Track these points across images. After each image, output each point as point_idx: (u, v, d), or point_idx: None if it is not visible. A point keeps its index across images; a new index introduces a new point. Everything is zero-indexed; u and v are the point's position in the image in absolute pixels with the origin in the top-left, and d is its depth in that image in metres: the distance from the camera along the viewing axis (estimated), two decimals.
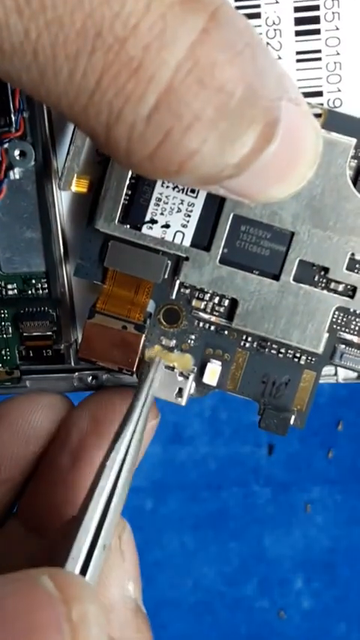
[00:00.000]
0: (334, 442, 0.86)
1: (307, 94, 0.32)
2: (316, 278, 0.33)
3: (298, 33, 0.31)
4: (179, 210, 0.32)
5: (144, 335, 0.34)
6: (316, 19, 0.31)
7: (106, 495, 0.28)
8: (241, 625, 0.85)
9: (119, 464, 0.29)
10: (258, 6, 0.31)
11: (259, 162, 0.25)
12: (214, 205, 0.32)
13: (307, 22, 0.31)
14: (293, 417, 0.34)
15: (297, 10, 0.31)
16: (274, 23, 0.31)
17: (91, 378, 0.36)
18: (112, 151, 0.24)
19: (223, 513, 0.85)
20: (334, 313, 0.33)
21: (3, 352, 0.36)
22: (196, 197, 0.32)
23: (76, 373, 0.36)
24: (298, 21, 0.31)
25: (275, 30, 0.31)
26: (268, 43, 0.31)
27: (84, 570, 0.26)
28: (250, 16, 0.31)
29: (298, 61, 0.32)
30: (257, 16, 0.31)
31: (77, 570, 0.26)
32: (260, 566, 0.86)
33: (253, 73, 0.24)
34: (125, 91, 0.23)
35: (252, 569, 0.86)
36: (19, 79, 0.23)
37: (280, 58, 0.31)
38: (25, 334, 0.36)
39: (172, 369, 0.34)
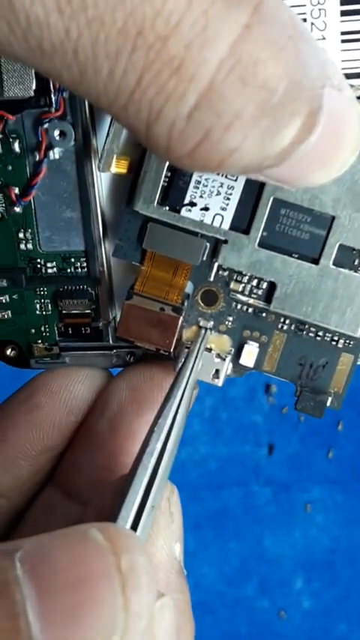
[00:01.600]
0: (334, 442, 0.86)
1: (351, 75, 0.31)
2: (356, 262, 0.33)
3: (343, 13, 0.30)
4: (218, 193, 0.32)
5: (181, 317, 0.34)
6: None
7: (155, 458, 0.28)
8: (241, 625, 0.86)
9: (167, 429, 0.29)
10: None
11: (301, 151, 0.24)
12: (254, 189, 0.32)
13: (352, 1, 0.30)
14: (330, 399, 0.34)
15: None
16: (318, 3, 0.30)
17: (128, 355, 0.36)
18: (152, 147, 0.24)
19: (223, 513, 0.86)
20: None
21: (42, 329, 0.36)
22: (235, 180, 0.32)
23: (114, 350, 0.36)
24: (344, 1, 0.30)
25: (320, 10, 0.30)
26: (312, 23, 0.30)
27: (134, 529, 0.26)
28: None
29: (343, 41, 0.31)
30: None
31: (128, 527, 0.26)
32: (260, 566, 0.87)
33: (295, 67, 0.23)
34: (166, 90, 0.22)
35: (252, 569, 0.87)
36: (59, 77, 0.23)
37: (324, 38, 0.31)
38: (64, 312, 0.36)
39: (210, 350, 0.34)
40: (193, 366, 0.32)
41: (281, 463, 0.86)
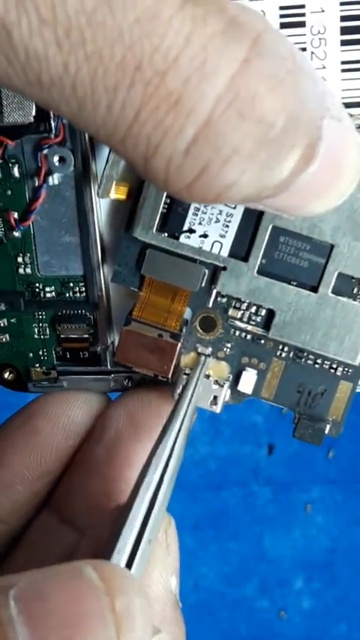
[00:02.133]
0: (334, 442, 0.85)
1: (351, 104, 0.31)
2: (355, 291, 0.33)
3: (343, 42, 0.30)
4: (217, 221, 0.32)
5: (180, 343, 0.34)
6: None
7: (152, 490, 0.28)
8: (241, 625, 0.85)
9: (165, 459, 0.29)
10: (303, 15, 0.30)
11: (300, 182, 0.24)
12: (253, 216, 0.32)
13: (353, 31, 0.30)
14: (328, 427, 0.34)
15: (343, 19, 0.30)
16: (319, 32, 0.30)
17: (126, 379, 0.36)
18: (150, 180, 0.24)
19: (223, 513, 0.86)
20: None
21: (40, 353, 0.36)
22: (234, 208, 0.32)
23: (112, 375, 0.36)
24: (344, 30, 0.30)
25: (320, 39, 0.30)
26: (312, 52, 0.30)
27: (129, 564, 0.26)
28: (295, 25, 0.30)
29: (343, 70, 0.31)
30: (302, 24, 0.30)
31: (123, 564, 0.26)
32: (260, 566, 0.86)
33: (294, 101, 0.23)
34: (164, 125, 0.22)
35: (252, 569, 0.86)
36: (57, 109, 0.23)
37: (324, 67, 0.31)
38: (62, 336, 0.36)
39: (208, 376, 0.34)
40: (192, 394, 0.32)
41: (281, 463, 0.86)
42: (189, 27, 0.22)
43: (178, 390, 0.34)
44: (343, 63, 0.31)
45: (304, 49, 0.30)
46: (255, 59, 0.22)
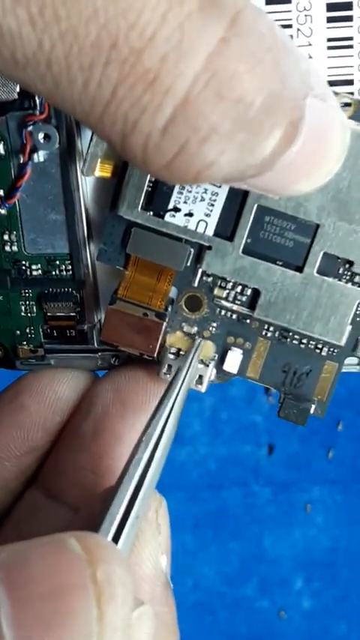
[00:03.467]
0: (334, 442, 0.85)
1: (337, 83, 0.31)
2: (341, 271, 0.32)
3: (329, 19, 0.30)
4: (202, 199, 0.32)
5: (165, 322, 0.33)
6: (348, 6, 0.30)
7: (142, 468, 0.28)
8: (241, 625, 0.86)
9: (156, 439, 0.29)
10: None
11: (282, 162, 0.24)
12: (238, 196, 0.32)
13: (339, 8, 0.30)
14: (313, 407, 0.34)
15: None
16: (305, 9, 0.30)
17: (113, 357, 0.36)
18: (129, 159, 0.24)
19: (223, 513, 0.86)
20: (357, 306, 0.33)
21: (27, 330, 0.36)
22: (219, 187, 0.32)
23: (99, 353, 0.36)
24: (330, 7, 0.30)
25: (306, 16, 0.30)
26: (298, 29, 0.30)
27: (116, 539, 0.26)
28: (281, 1, 0.30)
29: (330, 48, 0.30)
30: (288, 1, 0.30)
31: (109, 538, 0.26)
32: (260, 566, 0.86)
33: (274, 80, 0.23)
34: (141, 103, 0.22)
35: (252, 569, 0.86)
36: (34, 87, 0.23)
37: (310, 44, 0.30)
38: (48, 314, 0.36)
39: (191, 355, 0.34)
40: (185, 376, 0.32)
41: (281, 463, 0.86)
42: (165, 4, 0.22)
43: (164, 369, 0.34)
44: (329, 40, 0.30)
45: (289, 26, 0.30)
46: (233, 38, 0.22)
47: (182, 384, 0.31)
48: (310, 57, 0.30)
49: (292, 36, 0.30)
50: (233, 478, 0.86)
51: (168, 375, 0.34)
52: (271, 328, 0.34)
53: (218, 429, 0.85)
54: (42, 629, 0.22)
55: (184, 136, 0.22)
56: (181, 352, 0.34)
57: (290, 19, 0.30)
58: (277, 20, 0.30)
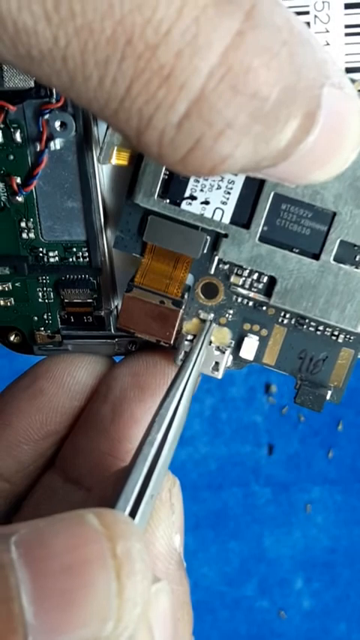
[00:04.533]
0: (334, 442, 0.85)
1: (354, 69, 0.30)
2: (357, 258, 0.32)
3: (347, 6, 0.30)
4: (219, 187, 0.32)
5: (181, 310, 0.34)
6: None
7: (156, 448, 0.28)
8: (241, 625, 0.86)
9: (168, 420, 0.29)
10: None
11: (300, 151, 0.24)
12: (255, 183, 0.32)
13: None
14: (329, 393, 0.34)
15: None
16: None
17: (130, 343, 0.37)
18: (144, 152, 0.24)
19: (223, 513, 0.85)
20: None
21: (45, 316, 0.37)
22: (236, 175, 0.32)
23: (116, 339, 0.36)
24: None
25: (324, 2, 0.30)
26: (315, 16, 0.30)
27: (132, 517, 0.26)
28: None
29: (347, 34, 0.30)
30: None
31: (125, 514, 0.26)
32: (260, 566, 0.86)
33: (290, 73, 0.23)
34: (156, 99, 0.22)
35: (252, 569, 0.86)
36: (49, 82, 0.23)
37: (327, 31, 0.30)
38: (66, 300, 0.36)
39: (210, 342, 0.34)
40: (196, 358, 0.32)
41: (281, 463, 0.86)
42: None
43: (180, 356, 0.34)
44: (347, 27, 0.30)
45: (307, 13, 0.30)
46: (249, 31, 0.22)
47: (193, 366, 0.31)
48: (328, 44, 0.30)
49: (309, 23, 0.30)
50: (233, 478, 0.86)
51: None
52: (288, 315, 0.34)
53: (218, 429, 0.85)
54: (62, 603, 0.22)
55: (199, 131, 0.22)
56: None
57: (307, 6, 0.30)
58: (294, 7, 0.30)
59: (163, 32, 0.21)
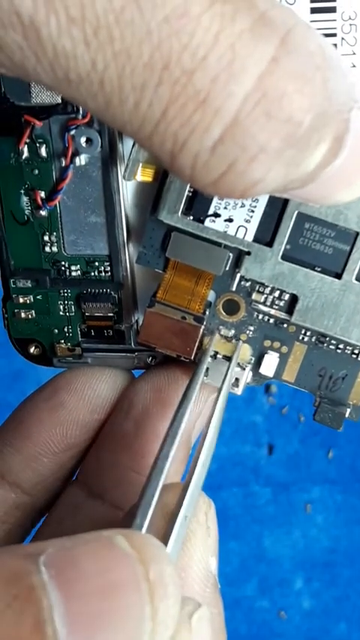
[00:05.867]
0: (334, 442, 0.85)
1: None
2: None
3: None
4: (243, 205, 0.32)
5: (203, 326, 0.34)
6: None
7: (169, 463, 0.28)
8: (241, 625, 0.86)
9: (181, 433, 0.29)
10: (334, 0, 0.30)
11: (326, 174, 0.24)
12: (279, 202, 0.32)
13: None
14: (348, 411, 0.34)
15: None
16: (350, 18, 0.30)
17: (150, 358, 0.37)
18: (177, 175, 0.24)
19: (223, 513, 0.85)
20: None
21: (65, 329, 0.37)
22: None
23: (136, 353, 0.37)
24: None
25: (351, 25, 0.30)
26: (342, 38, 0.30)
27: (156, 536, 0.26)
28: (326, 10, 0.30)
29: None
30: (333, 10, 0.30)
31: (143, 532, 0.26)
32: (260, 566, 0.86)
33: (322, 98, 0.23)
34: (191, 123, 0.22)
35: (252, 569, 0.86)
36: (85, 104, 0.23)
37: (354, 53, 0.30)
38: (87, 314, 0.36)
39: (230, 359, 0.34)
40: (224, 380, 0.32)
41: (281, 463, 0.86)
42: (218, 25, 0.22)
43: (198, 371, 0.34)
44: None
45: (334, 35, 0.30)
46: (283, 57, 0.22)
47: (222, 385, 0.32)
48: (354, 66, 0.30)
49: (335, 45, 0.30)
50: (233, 478, 0.86)
51: (205, 377, 0.34)
52: (308, 333, 0.34)
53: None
54: (96, 625, 0.22)
55: (233, 156, 0.23)
56: (218, 355, 0.34)
57: (335, 28, 0.30)
58: (321, 29, 0.30)
59: (200, 58, 0.22)
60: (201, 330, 0.34)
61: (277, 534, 0.87)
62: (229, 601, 0.84)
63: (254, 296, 0.34)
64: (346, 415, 0.34)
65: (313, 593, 0.88)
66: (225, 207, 0.32)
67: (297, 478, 0.87)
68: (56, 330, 0.37)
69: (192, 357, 0.34)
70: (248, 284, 0.34)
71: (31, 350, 0.38)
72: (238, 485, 0.86)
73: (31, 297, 0.36)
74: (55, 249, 0.35)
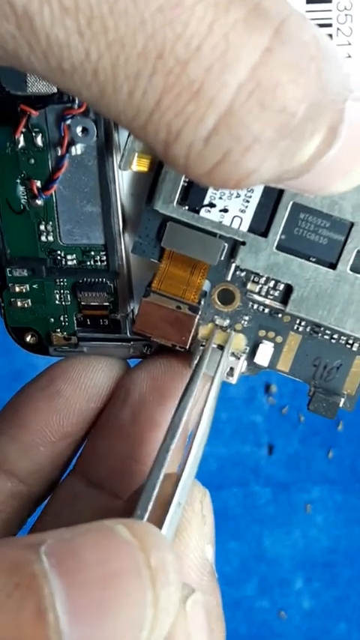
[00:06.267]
0: (334, 442, 0.85)
1: None
2: None
3: None
4: (238, 196, 0.32)
5: (198, 315, 0.34)
6: None
7: (170, 455, 0.29)
8: (241, 625, 0.86)
9: (182, 426, 0.30)
10: None
11: (321, 164, 0.24)
12: (274, 193, 0.32)
13: None
14: (342, 400, 0.35)
15: None
16: (345, 8, 0.30)
17: (145, 347, 0.37)
18: (170, 165, 0.24)
19: (223, 513, 0.85)
20: None
21: (62, 318, 0.37)
22: None
23: (131, 342, 0.37)
24: None
25: (347, 15, 0.30)
26: (338, 29, 0.30)
27: (154, 523, 0.26)
28: (322, 0, 0.30)
29: None
30: (328, 0, 0.30)
31: (144, 521, 0.26)
32: (260, 566, 0.86)
33: (317, 89, 0.23)
34: (185, 113, 0.22)
35: (252, 569, 0.86)
36: (79, 94, 0.23)
37: (349, 43, 0.30)
38: (82, 303, 0.36)
39: (223, 348, 0.35)
40: (217, 368, 0.32)
41: (281, 463, 0.86)
42: (212, 15, 0.22)
43: (196, 361, 0.34)
44: None
45: (329, 25, 0.30)
46: (277, 48, 0.22)
47: (215, 376, 0.32)
48: (349, 56, 0.30)
49: (331, 35, 0.30)
50: (233, 478, 0.86)
51: None
52: (303, 323, 0.34)
53: (218, 429, 0.85)
54: (98, 612, 0.22)
55: (227, 146, 0.23)
56: (213, 344, 0.35)
57: (330, 19, 0.30)
58: (317, 19, 0.30)
59: (194, 48, 0.22)
60: (196, 320, 0.34)
61: (277, 534, 0.87)
62: (229, 601, 0.84)
63: (249, 286, 0.34)
64: (340, 405, 0.35)
65: (313, 593, 0.88)
66: (220, 198, 0.32)
67: (297, 478, 0.87)
68: (52, 319, 0.37)
69: (187, 347, 0.34)
70: (243, 274, 0.34)
71: (28, 339, 0.38)
72: (238, 485, 0.87)
73: (28, 286, 0.37)
74: (51, 238, 0.36)
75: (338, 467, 0.87)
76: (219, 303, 0.35)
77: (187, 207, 0.33)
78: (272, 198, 0.32)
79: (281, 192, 0.32)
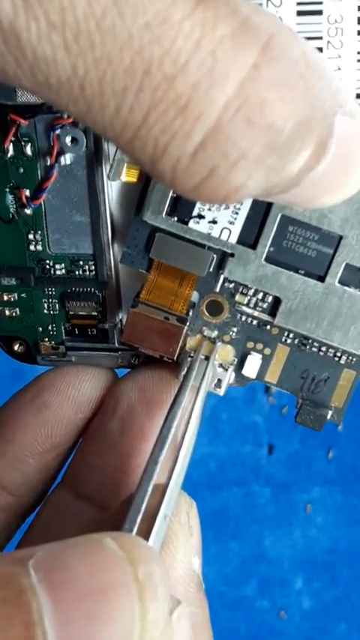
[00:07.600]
0: (334, 442, 0.85)
1: None
2: None
3: None
4: (227, 207, 0.32)
5: (186, 327, 0.34)
6: None
7: (159, 467, 0.29)
8: (241, 625, 0.86)
9: (172, 437, 0.29)
10: (320, 3, 0.30)
11: (310, 178, 0.24)
12: (263, 205, 0.32)
13: None
14: (330, 413, 0.35)
15: None
16: (335, 21, 0.30)
17: (134, 357, 0.37)
18: (157, 179, 0.24)
19: (223, 513, 0.85)
20: None
21: (50, 328, 0.37)
22: None
23: (120, 352, 0.37)
24: None
25: (337, 28, 0.30)
26: (328, 42, 0.30)
27: (142, 536, 0.26)
28: (312, 13, 0.30)
29: (359, 61, 0.30)
30: (319, 13, 0.30)
31: (133, 534, 0.26)
32: (260, 566, 0.86)
33: (305, 105, 0.23)
34: (172, 128, 0.22)
35: (252, 569, 0.86)
36: (66, 109, 0.23)
37: (340, 56, 0.30)
38: (71, 312, 0.36)
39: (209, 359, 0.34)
40: (202, 379, 0.32)
41: (281, 463, 0.86)
42: (199, 31, 0.22)
43: (183, 372, 0.34)
44: None
45: (320, 38, 0.30)
46: (265, 64, 0.22)
47: (200, 386, 0.32)
48: (339, 69, 0.30)
49: (321, 48, 0.30)
50: (233, 478, 0.86)
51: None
52: (291, 335, 0.34)
53: (218, 429, 0.85)
54: (86, 627, 0.22)
55: (214, 161, 0.23)
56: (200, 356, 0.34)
57: (321, 32, 0.30)
58: (307, 32, 0.30)
59: (181, 64, 0.22)
60: (184, 331, 0.34)
61: (277, 534, 0.87)
62: (229, 601, 0.84)
63: (237, 297, 0.34)
64: (328, 417, 0.35)
65: (313, 593, 0.88)
66: (209, 209, 0.32)
67: (297, 478, 0.87)
68: (40, 328, 0.37)
69: (175, 358, 0.34)
70: (232, 285, 0.34)
71: (15, 347, 0.38)
72: (238, 485, 0.86)
73: (16, 294, 0.36)
74: (39, 247, 0.35)
75: (338, 467, 0.87)
76: (207, 314, 0.35)
77: (175, 219, 0.33)
78: (261, 210, 0.32)
79: (270, 204, 0.32)
